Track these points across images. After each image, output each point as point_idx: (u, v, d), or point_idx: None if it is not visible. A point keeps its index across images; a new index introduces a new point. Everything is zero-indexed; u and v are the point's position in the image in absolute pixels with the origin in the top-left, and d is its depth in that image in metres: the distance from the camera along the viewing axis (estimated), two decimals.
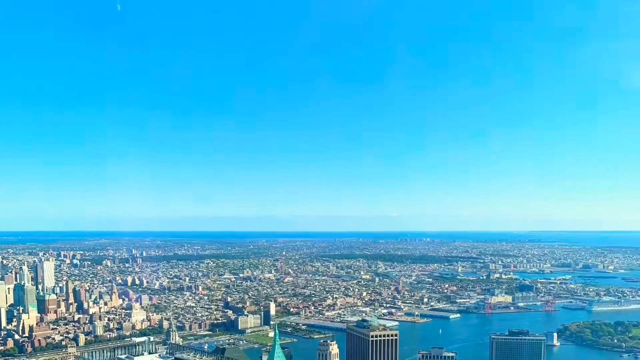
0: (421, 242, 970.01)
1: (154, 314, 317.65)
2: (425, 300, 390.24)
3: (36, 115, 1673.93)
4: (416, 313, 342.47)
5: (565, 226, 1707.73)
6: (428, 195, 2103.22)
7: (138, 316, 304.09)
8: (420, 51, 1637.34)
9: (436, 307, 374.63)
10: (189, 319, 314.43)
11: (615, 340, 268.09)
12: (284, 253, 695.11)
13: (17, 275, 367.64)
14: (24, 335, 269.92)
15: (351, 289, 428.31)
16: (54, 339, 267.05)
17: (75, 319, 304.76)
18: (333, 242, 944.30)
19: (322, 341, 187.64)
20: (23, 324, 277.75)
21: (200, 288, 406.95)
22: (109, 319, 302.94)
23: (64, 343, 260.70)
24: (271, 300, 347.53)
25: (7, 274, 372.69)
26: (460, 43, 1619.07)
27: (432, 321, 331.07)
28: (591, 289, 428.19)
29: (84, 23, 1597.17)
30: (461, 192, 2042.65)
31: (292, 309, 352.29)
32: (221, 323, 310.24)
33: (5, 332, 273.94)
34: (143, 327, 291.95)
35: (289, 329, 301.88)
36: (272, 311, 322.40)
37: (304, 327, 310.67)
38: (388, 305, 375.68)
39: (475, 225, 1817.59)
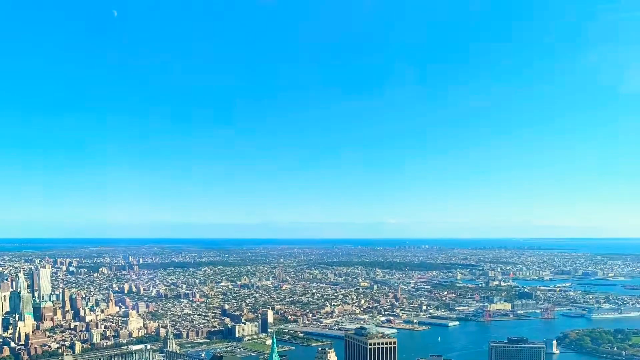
0: (420, 250, 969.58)
1: (151, 321, 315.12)
2: (424, 307, 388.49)
3: (33, 121, 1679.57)
4: (415, 321, 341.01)
5: (565, 233, 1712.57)
6: (426, 203, 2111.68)
7: (135, 324, 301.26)
8: (419, 60, 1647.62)
9: (435, 314, 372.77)
10: (186, 326, 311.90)
11: (615, 348, 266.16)
12: (281, 260, 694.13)
13: (13, 282, 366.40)
14: (20, 343, 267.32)
15: (349, 296, 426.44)
16: (50, 346, 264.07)
17: (72, 326, 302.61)
18: (331, 250, 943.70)
19: (320, 349, 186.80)
20: (19, 331, 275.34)
21: (197, 295, 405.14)
22: (105, 327, 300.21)
23: (60, 351, 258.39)
24: (269, 308, 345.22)
25: (3, 281, 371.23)
26: (458, 52, 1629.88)
27: (431, 329, 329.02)
28: (591, 297, 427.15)
29: (84, 29, 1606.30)
30: (460, 200, 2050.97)
31: (290, 317, 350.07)
32: (218, 331, 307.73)
33: (1, 340, 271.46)
34: (140, 335, 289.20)
35: (286, 337, 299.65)
36: (270, 319, 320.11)
37: (301, 334, 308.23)
38: (386, 312, 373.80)
39: (474, 232, 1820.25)
